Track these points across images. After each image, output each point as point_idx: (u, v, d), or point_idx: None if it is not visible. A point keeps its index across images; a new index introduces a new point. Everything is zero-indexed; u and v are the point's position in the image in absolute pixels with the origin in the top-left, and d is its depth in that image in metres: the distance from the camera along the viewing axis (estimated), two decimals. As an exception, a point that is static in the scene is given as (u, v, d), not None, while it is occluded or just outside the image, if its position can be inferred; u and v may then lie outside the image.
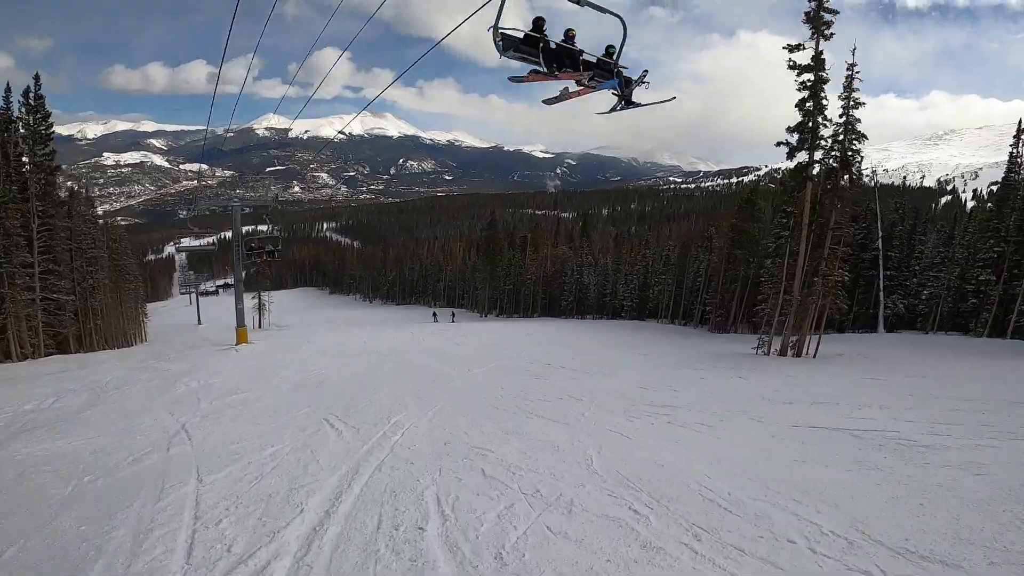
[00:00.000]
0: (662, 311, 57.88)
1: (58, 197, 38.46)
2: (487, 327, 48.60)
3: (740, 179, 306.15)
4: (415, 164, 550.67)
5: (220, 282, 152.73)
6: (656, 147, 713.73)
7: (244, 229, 36.16)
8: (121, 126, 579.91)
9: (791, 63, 25.99)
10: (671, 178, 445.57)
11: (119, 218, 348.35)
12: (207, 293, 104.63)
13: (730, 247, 46.43)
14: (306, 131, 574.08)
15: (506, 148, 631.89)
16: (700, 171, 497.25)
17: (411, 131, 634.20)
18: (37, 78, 35.47)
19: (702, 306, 51.03)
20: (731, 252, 46.15)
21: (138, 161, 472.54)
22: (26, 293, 31.98)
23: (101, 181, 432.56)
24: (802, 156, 26.72)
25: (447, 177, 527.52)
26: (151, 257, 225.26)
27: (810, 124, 26.35)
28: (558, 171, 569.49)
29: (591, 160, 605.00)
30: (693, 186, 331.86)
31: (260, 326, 68.10)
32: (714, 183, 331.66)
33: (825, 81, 26.04)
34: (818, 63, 25.82)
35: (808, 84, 25.97)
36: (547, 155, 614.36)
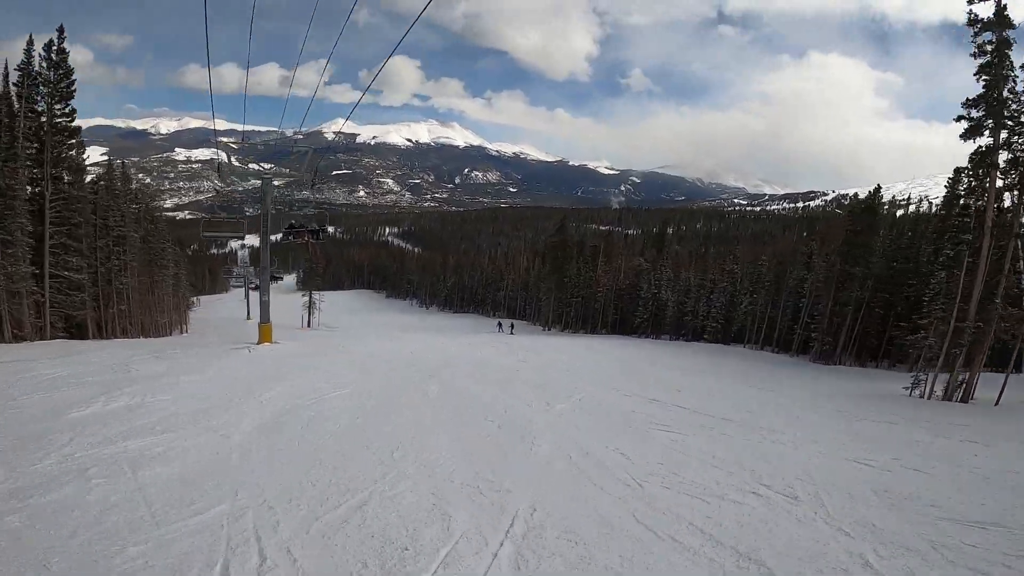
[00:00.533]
0: (750, 335, 51.13)
1: (81, 164, 33.51)
2: (553, 342, 42.51)
3: (807, 203, 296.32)
4: (480, 174, 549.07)
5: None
6: (721, 167, 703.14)
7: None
8: (194, 123, 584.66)
9: (971, 16, 20.16)
10: (736, 200, 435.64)
11: (187, 212, 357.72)
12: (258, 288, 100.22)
13: (842, 263, 39.44)
14: (374, 137, 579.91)
15: (571, 163, 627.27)
16: (765, 194, 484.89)
17: (477, 141, 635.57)
18: (61, 30, 31.00)
19: (804, 332, 44.02)
20: (844, 270, 39.16)
21: (209, 157, 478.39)
22: (21, 265, 26.99)
23: (172, 175, 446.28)
24: (984, 140, 20.78)
25: (511, 189, 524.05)
26: (214, 251, 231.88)
27: (995, 96, 20.11)
28: (622, 188, 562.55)
29: (655, 178, 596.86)
30: (759, 209, 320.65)
31: (309, 325, 65.15)
32: (780, 206, 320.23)
33: (1009, 45, 20.15)
34: (1002, 19, 19.75)
35: (988, 46, 20.23)
36: (612, 172, 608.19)
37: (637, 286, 62.45)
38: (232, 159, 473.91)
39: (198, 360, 18.57)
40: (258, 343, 26.04)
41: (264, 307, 27.77)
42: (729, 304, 53.85)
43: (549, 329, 70.35)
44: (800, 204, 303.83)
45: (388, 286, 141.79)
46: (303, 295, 72.24)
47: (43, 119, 29.96)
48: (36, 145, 29.75)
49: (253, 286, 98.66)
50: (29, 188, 28.79)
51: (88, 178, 37.15)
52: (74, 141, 32.08)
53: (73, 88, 31.27)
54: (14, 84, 28.70)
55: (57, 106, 30.65)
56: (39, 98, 30.01)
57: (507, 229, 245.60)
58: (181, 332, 52.17)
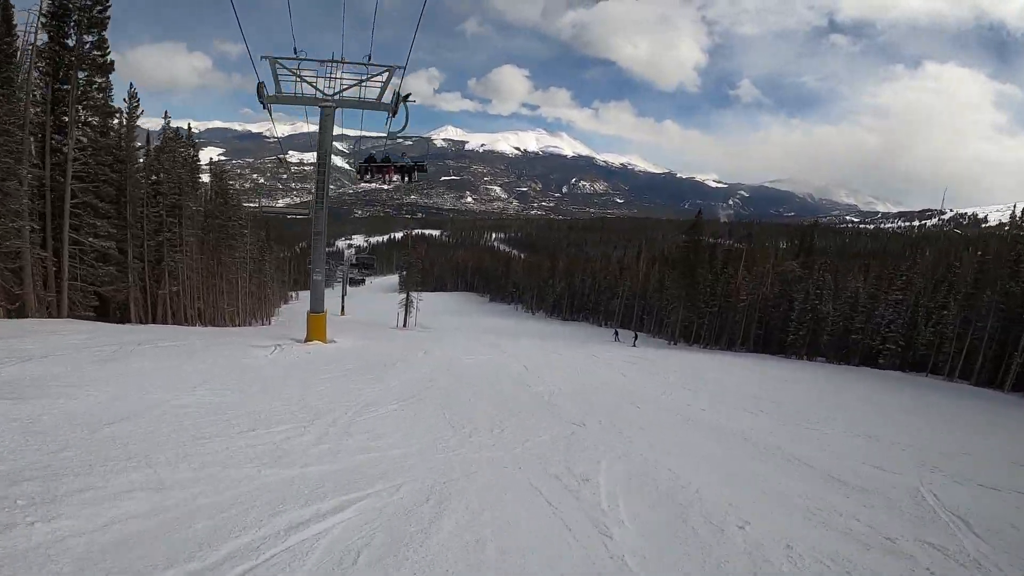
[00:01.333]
0: (941, 362, 40.11)
1: (110, 108, 25.79)
2: (692, 361, 32.67)
3: (923, 223, 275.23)
4: (587, 184, 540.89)
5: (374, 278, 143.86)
6: (832, 183, 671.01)
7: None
8: (306, 128, 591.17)
9: None
10: (848, 217, 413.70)
11: (298, 211, 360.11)
12: (355, 281, 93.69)
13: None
14: (482, 144, 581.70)
15: (679, 175, 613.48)
16: (878, 212, 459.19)
17: (585, 152, 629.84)
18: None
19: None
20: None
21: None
22: (18, 221, 19.79)
23: (284, 176, 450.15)
24: None
25: (618, 200, 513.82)
26: (327, 249, 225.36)
27: None
28: (730, 202, 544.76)
29: (764, 192, 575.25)
30: (872, 227, 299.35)
31: (404, 324, 60.14)
32: (895, 225, 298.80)
33: None
34: None
35: None
36: (720, 185, 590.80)
37: (788, 297, 52.01)
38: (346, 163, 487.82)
39: (186, 362, 11.24)
40: (305, 340, 17.56)
41: (317, 289, 19.38)
42: (910, 323, 43.07)
43: (675, 343, 60.40)
44: (916, 223, 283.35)
45: (492, 289, 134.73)
46: (401, 293, 65.63)
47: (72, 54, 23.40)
48: (66, 86, 23.45)
49: (351, 281, 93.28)
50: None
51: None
52: (103, 81, 24.75)
53: (107, 15, 24.10)
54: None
55: (87, 36, 23.57)
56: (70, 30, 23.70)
57: (614, 238, 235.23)
58: (260, 323, 48.82)
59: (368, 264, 73.59)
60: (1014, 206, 73.59)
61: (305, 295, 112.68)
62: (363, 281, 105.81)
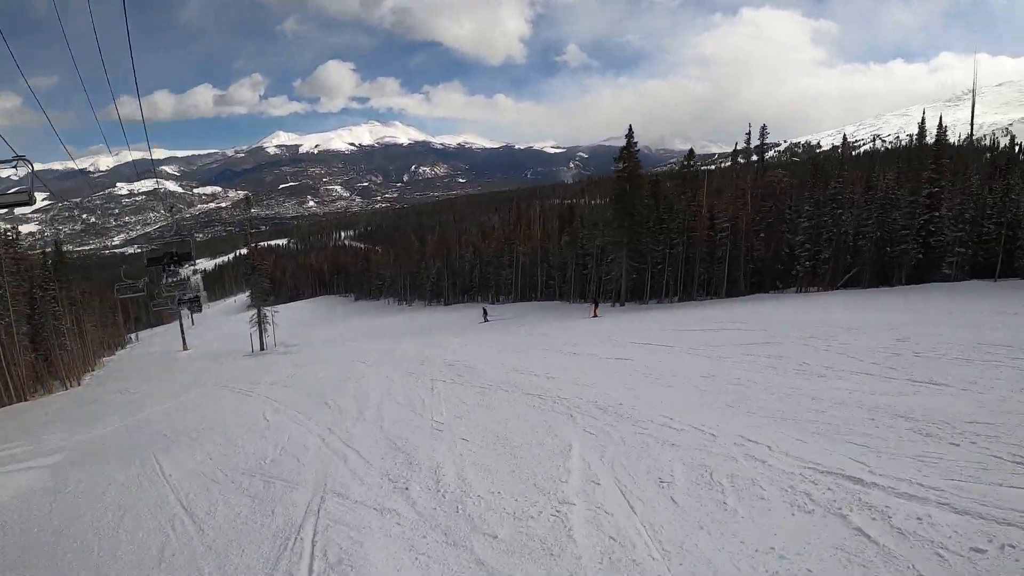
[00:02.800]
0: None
1: None
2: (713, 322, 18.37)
3: (755, 158, 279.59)
4: (427, 170, 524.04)
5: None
6: (668, 134, 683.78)
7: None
8: (133, 155, 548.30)
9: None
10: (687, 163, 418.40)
11: (136, 246, 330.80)
12: (191, 305, 78.01)
13: None
14: (316, 145, 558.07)
15: (517, 147, 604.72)
16: (714, 153, 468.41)
17: (421, 137, 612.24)
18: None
19: None
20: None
21: (151, 188, 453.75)
22: None
23: (116, 211, 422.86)
24: None
25: (460, 180, 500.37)
26: (168, 280, 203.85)
27: None
28: (571, 165, 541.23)
29: (603, 151, 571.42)
30: (713, 167, 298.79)
31: (263, 347, 46.89)
32: (732, 164, 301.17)
33: None
34: None
35: None
36: (559, 150, 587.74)
37: (782, 217, 37.55)
38: (175, 185, 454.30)
39: None
40: None
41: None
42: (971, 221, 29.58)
43: (621, 303, 44.75)
44: (754, 158, 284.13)
45: (355, 288, 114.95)
46: (251, 310, 51.99)
47: None
48: None
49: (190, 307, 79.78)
50: None
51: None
52: None
53: None
54: None
55: None
56: None
57: (467, 216, 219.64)
58: (67, 386, 39.92)
59: (189, 300, 54.76)
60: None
61: (149, 334, 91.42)
62: (198, 305, 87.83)
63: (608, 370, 12.82)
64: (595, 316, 35.41)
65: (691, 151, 47.82)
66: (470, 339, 26.73)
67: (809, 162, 53.34)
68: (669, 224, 43.11)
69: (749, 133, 47.19)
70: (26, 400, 31.98)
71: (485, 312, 49.05)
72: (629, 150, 45.35)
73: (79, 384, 41.64)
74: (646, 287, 44.67)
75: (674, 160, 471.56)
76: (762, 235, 40.37)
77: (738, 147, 49.11)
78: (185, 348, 56.69)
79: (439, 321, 50.98)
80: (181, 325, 59.26)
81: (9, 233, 38.34)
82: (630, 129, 45.73)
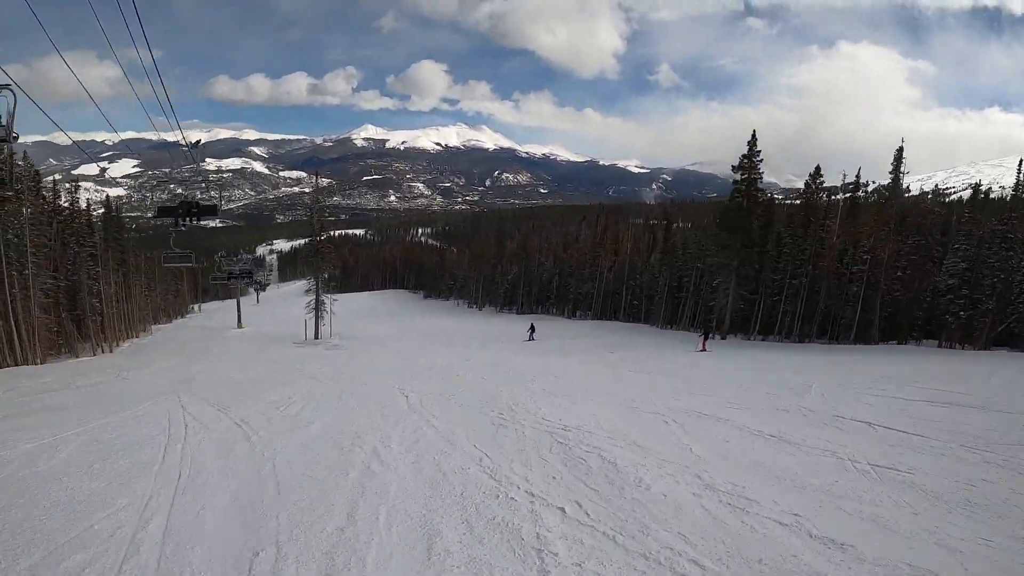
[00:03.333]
0: None
1: None
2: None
3: (847, 195, 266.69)
4: (510, 177, 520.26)
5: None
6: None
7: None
8: (224, 134, 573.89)
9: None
10: (773, 195, 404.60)
11: (218, 221, 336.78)
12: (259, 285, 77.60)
13: None
14: (403, 142, 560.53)
15: (601, 162, 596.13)
16: (799, 189, 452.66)
17: (507, 144, 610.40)
18: None
19: None
20: None
21: (239, 167, 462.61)
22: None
23: (203, 185, 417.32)
24: None
25: (542, 190, 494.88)
26: (245, 256, 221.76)
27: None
28: (653, 186, 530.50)
29: (687, 176, 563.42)
30: (799, 202, 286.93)
31: (317, 336, 44.39)
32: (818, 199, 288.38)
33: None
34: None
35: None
36: (643, 170, 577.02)
37: (928, 254, 31.10)
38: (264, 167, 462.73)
39: None
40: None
41: None
42: None
43: (723, 336, 38.44)
44: (840, 197, 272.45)
45: (426, 285, 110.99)
46: (308, 293, 47.07)
47: None
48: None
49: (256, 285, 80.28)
50: None
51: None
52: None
53: None
54: None
55: None
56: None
57: (547, 226, 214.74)
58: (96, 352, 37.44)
59: (246, 276, 52.15)
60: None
61: (215, 307, 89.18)
62: (251, 279, 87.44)
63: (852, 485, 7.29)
64: (703, 350, 29.61)
65: (817, 168, 40.83)
66: (572, 369, 21.74)
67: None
68: (791, 249, 36.92)
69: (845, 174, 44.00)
70: (36, 364, 28.56)
71: (532, 329, 42.55)
72: (751, 159, 39.03)
73: (111, 351, 39.45)
74: (754, 320, 38.55)
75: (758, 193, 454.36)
76: (901, 274, 33.86)
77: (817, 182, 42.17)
78: (240, 326, 55.19)
79: (513, 333, 45.53)
80: (239, 302, 56.68)
81: (34, 172, 34.54)
82: (753, 135, 39.39)
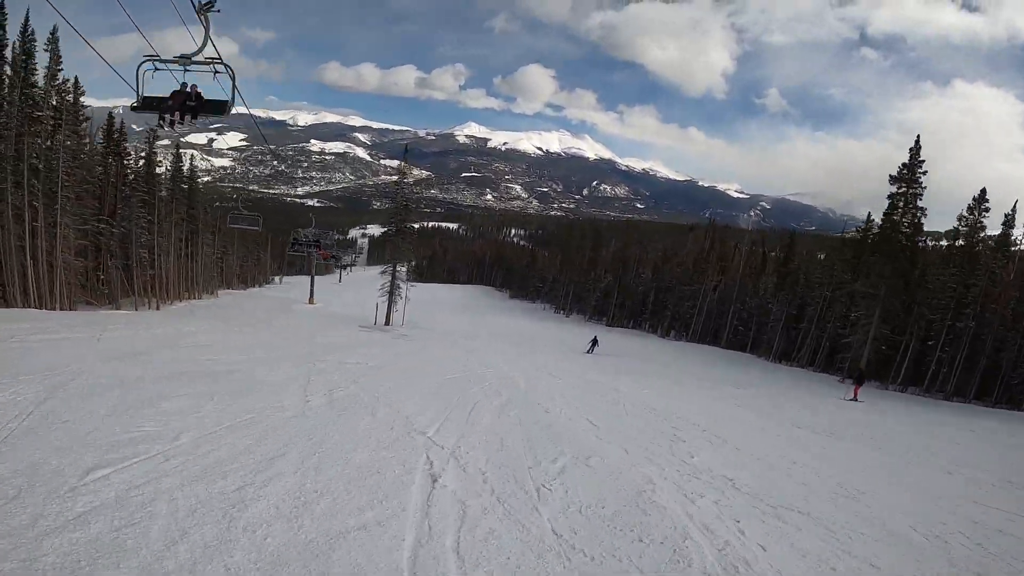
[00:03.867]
0: None
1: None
2: None
3: (952, 242, 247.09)
4: (608, 188, 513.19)
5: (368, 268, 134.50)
6: (855, 199, 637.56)
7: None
8: (330, 118, 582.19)
9: None
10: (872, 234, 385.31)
11: (315, 200, 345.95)
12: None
13: None
14: (505, 143, 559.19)
15: (700, 183, 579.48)
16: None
17: (607, 155, 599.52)
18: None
19: None
20: None
21: (342, 151, 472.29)
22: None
23: (305, 164, 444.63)
24: None
25: (639, 205, 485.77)
26: (337, 237, 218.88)
27: None
28: (751, 213, 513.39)
29: (786, 205, 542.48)
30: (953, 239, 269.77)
31: (388, 322, 41.89)
32: (921, 242, 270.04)
33: None
34: None
35: None
36: (742, 195, 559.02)
37: None
38: (366, 154, 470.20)
39: None
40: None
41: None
42: None
43: (859, 382, 32.36)
44: (944, 243, 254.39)
45: (514, 285, 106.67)
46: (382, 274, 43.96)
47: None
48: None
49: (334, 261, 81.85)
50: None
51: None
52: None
53: None
54: None
55: None
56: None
57: (643, 241, 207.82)
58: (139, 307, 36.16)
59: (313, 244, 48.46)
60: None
61: (296, 280, 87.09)
62: (343, 264, 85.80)
63: None
64: (854, 399, 24.12)
65: (983, 191, 34.10)
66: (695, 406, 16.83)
67: None
68: (956, 284, 30.75)
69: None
70: (55, 309, 25.98)
71: (595, 342, 37.90)
72: (913, 171, 32.81)
73: (156, 308, 38.42)
74: (897, 367, 32.39)
75: (856, 227, 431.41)
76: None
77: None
78: (311, 302, 53.78)
79: (610, 348, 40.40)
80: (312, 277, 55.25)
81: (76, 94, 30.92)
82: (917, 141, 33.14)
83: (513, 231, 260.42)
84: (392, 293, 41.89)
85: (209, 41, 9.97)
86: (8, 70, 25.21)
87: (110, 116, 35.45)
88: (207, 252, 52.60)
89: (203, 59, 10.37)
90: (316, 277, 61.26)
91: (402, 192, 44.26)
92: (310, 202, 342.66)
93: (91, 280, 31.77)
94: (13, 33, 25.64)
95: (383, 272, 43.65)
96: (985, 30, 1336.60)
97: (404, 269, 44.83)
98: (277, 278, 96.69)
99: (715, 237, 64.42)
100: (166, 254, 39.04)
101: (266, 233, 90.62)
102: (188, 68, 10.60)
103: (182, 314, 35.09)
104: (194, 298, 47.91)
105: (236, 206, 33.35)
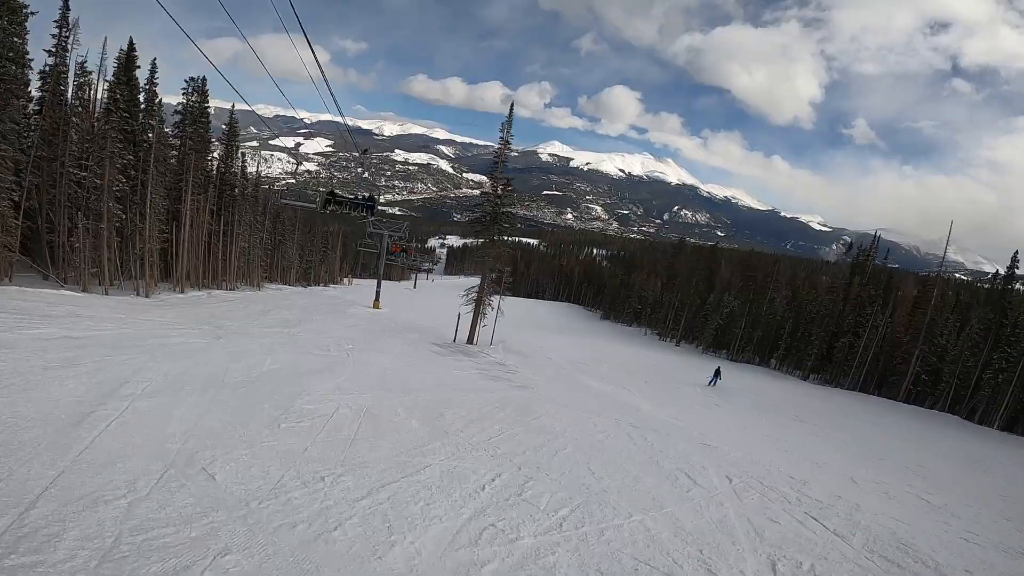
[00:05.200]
0: None
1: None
2: None
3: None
4: (689, 214, 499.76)
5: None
6: (942, 238, 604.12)
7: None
8: (415, 129, 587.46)
9: None
10: (957, 275, 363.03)
11: (396, 209, 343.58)
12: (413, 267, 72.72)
13: None
14: (587, 163, 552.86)
15: (783, 214, 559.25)
16: (987, 273, 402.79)
17: (690, 180, 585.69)
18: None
19: None
20: None
21: (425, 162, 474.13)
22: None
23: (388, 173, 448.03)
24: None
25: (719, 232, 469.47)
26: (415, 244, 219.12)
27: None
28: (834, 247, 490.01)
29: (867, 241, 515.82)
30: (988, 287, 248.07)
31: (472, 339, 32.52)
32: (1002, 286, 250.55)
33: None
34: None
35: None
36: (824, 228, 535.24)
37: None
38: (450, 167, 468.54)
39: None
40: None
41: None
42: None
43: None
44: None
45: (605, 305, 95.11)
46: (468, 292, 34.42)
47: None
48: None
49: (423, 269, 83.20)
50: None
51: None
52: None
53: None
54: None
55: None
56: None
57: (722, 270, 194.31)
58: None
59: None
60: None
61: (367, 283, 78.54)
62: (422, 268, 78.56)
63: None
64: None
65: None
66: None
67: None
68: None
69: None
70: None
71: (717, 374, 34.31)
72: None
73: (183, 292, 34.14)
74: None
75: (942, 268, 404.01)
76: None
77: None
78: (376, 306, 45.19)
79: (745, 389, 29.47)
80: (379, 281, 48.27)
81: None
82: None
83: (595, 251, 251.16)
84: (479, 305, 31.91)
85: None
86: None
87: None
88: (245, 237, 44.01)
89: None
90: (390, 282, 51.38)
91: (502, 178, 33.73)
92: (391, 210, 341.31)
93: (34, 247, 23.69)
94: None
95: (468, 292, 33.53)
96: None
97: (500, 277, 34.36)
98: (347, 279, 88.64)
99: (881, 274, 52.15)
100: (164, 221, 30.34)
101: (340, 230, 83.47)
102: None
103: (160, 307, 25.96)
104: (219, 287, 39.62)
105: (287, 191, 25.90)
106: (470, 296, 32.59)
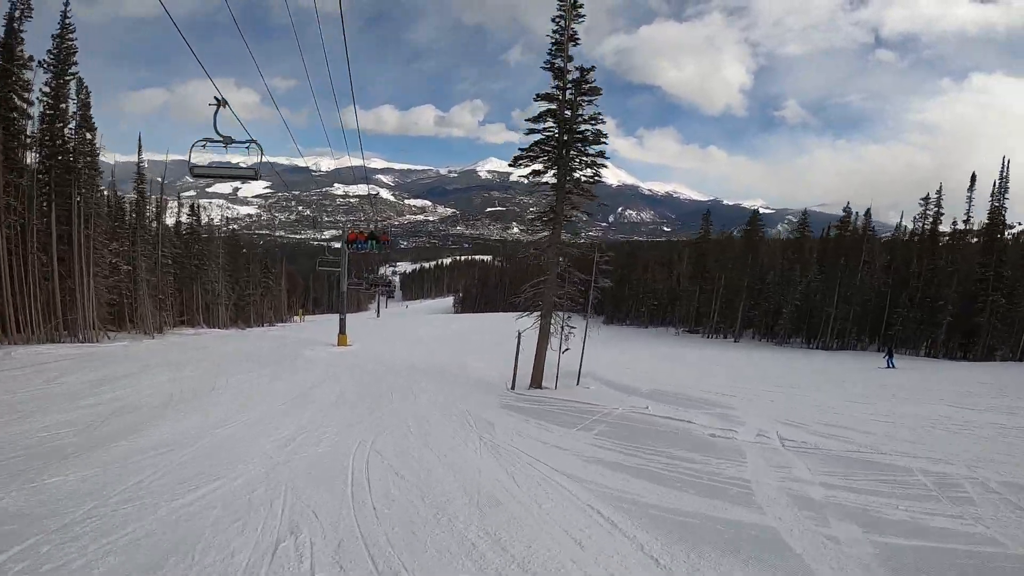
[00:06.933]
0: None
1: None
2: None
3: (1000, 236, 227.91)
4: (633, 213, 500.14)
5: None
6: (882, 205, 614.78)
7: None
8: (352, 162, 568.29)
9: None
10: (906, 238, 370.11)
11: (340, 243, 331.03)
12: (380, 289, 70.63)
13: None
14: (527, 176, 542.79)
15: (725, 202, 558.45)
16: (926, 231, 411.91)
17: (630, 180, 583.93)
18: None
19: None
20: None
21: (365, 193, 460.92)
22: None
23: (330, 208, 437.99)
24: None
25: (665, 228, 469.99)
26: (366, 274, 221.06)
27: None
28: (779, 228, 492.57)
29: (813, 217, 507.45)
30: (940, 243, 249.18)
31: (536, 383, 20.79)
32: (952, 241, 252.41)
33: None
34: None
35: None
36: (768, 211, 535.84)
37: None
38: (389, 195, 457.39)
39: None
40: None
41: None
42: None
43: None
44: (982, 240, 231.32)
45: (605, 308, 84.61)
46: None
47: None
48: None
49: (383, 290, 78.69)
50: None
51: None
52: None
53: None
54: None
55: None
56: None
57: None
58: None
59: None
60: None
61: (321, 320, 67.21)
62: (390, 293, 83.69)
63: None
64: None
65: None
66: None
67: None
68: None
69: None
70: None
71: (890, 355, 32.88)
72: None
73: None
74: None
75: (886, 235, 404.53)
76: None
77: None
78: (341, 342, 33.82)
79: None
80: (343, 306, 37.78)
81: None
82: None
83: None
84: (547, 327, 20.44)
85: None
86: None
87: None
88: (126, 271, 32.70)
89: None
90: (348, 314, 39.66)
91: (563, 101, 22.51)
92: (336, 244, 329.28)
93: None
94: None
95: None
96: (1001, 19, 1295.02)
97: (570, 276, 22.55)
98: (298, 316, 77.28)
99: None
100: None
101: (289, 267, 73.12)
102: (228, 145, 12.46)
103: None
104: (61, 340, 26.81)
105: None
106: (530, 329, 20.77)
